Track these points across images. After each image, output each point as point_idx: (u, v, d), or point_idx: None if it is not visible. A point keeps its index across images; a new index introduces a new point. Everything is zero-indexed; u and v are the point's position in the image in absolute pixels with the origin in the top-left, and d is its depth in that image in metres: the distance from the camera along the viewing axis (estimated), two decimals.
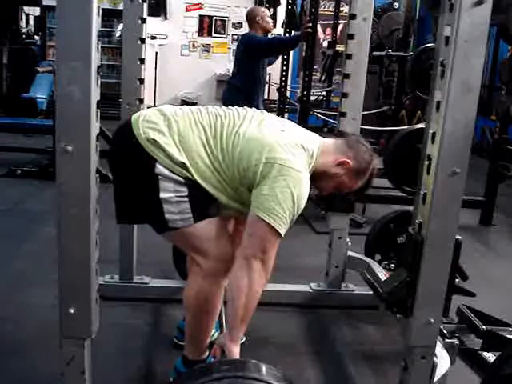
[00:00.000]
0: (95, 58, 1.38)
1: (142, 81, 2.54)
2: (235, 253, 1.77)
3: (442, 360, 1.88)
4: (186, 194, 1.73)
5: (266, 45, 4.39)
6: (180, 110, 1.85)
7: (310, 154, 1.81)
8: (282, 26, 6.23)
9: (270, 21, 4.52)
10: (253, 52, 4.35)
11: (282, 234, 1.68)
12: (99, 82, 1.44)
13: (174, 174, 1.72)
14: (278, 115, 5.39)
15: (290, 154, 1.71)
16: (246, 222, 1.74)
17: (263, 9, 4.76)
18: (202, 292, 1.84)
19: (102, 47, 1.48)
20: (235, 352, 1.69)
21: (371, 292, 2.51)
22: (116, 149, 1.83)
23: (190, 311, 1.93)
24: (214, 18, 10.06)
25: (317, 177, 1.86)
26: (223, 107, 1.91)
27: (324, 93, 7.86)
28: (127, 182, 1.81)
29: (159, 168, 1.71)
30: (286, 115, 6.32)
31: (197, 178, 1.73)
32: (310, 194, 1.75)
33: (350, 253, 2.84)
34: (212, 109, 1.88)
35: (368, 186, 2.02)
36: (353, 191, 2.03)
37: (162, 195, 1.72)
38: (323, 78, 7.66)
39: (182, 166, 1.72)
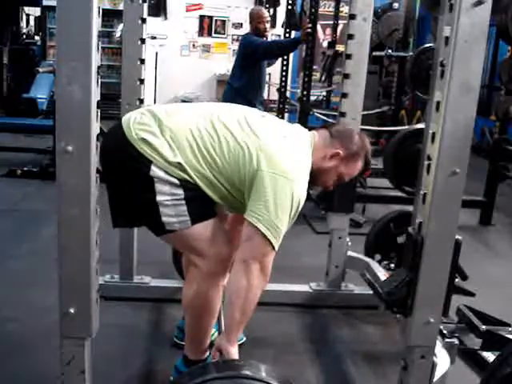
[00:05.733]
0: (95, 58, 1.38)
1: (142, 81, 2.54)
2: (234, 255, 1.77)
3: (442, 360, 1.88)
4: (183, 196, 1.72)
5: (265, 49, 4.41)
6: (170, 109, 1.84)
7: (309, 159, 1.82)
8: (282, 26, 6.23)
9: (266, 25, 4.57)
10: (252, 55, 4.37)
11: (276, 248, 1.69)
12: (99, 82, 1.44)
13: (170, 175, 1.70)
14: (277, 115, 5.41)
15: (288, 162, 1.71)
16: (243, 222, 1.73)
17: (263, 11, 4.77)
18: (200, 292, 1.84)
19: (102, 47, 1.48)
20: (233, 354, 1.70)
21: (371, 292, 2.51)
22: (109, 153, 1.76)
23: (190, 312, 1.93)
24: (214, 18, 10.06)
25: (314, 176, 1.86)
26: (217, 103, 1.90)
27: (324, 93, 7.86)
28: (122, 186, 1.79)
29: (154, 170, 1.70)
30: (286, 115, 6.32)
31: (194, 177, 1.72)
32: (310, 193, 1.75)
33: (349, 253, 2.84)
34: (205, 105, 1.87)
35: (368, 164, 1.99)
36: (356, 175, 2.03)
37: (159, 198, 1.70)
38: (323, 78, 7.66)
39: (178, 165, 1.70)
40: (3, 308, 2.57)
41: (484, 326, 2.19)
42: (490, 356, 2.27)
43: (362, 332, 2.66)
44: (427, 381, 1.74)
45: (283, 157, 1.72)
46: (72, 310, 1.51)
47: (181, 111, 1.85)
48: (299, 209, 1.71)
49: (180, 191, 1.72)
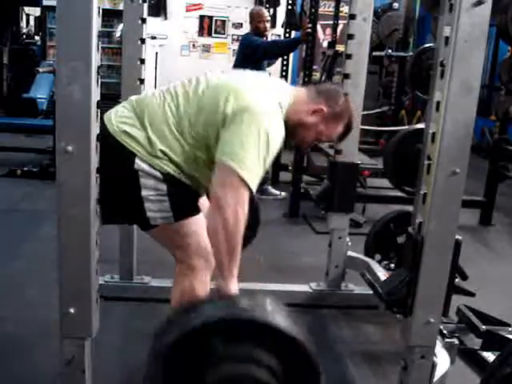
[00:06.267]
0: (95, 58, 1.38)
1: (142, 81, 2.54)
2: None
3: (442, 360, 1.88)
4: (166, 192, 1.73)
5: (265, 49, 4.42)
6: (142, 96, 1.88)
7: (281, 100, 1.78)
8: (282, 26, 6.23)
9: (266, 25, 4.58)
10: (252, 55, 4.38)
11: (247, 181, 1.59)
12: (99, 82, 1.44)
13: (154, 168, 1.72)
14: None
15: (257, 98, 1.69)
16: None
17: (263, 11, 4.78)
18: (186, 291, 1.84)
19: (102, 47, 1.48)
20: (230, 288, 1.62)
21: (371, 292, 2.50)
22: None
23: None
24: (214, 18, 10.06)
25: (294, 130, 1.82)
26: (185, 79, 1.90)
27: None
28: (108, 181, 1.74)
29: (138, 163, 1.71)
30: None
31: (178, 160, 1.72)
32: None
33: (349, 253, 2.84)
34: (176, 83, 1.88)
35: (349, 129, 1.94)
36: (335, 138, 1.98)
37: (144, 193, 1.72)
38: (323, 78, 7.65)
39: (161, 154, 1.71)
40: (3, 308, 2.57)
41: (484, 326, 2.19)
42: (490, 356, 2.27)
43: (362, 332, 2.66)
44: (427, 381, 1.74)
45: (250, 95, 1.70)
46: (72, 310, 1.51)
47: (150, 94, 1.87)
48: (271, 145, 1.64)
49: (163, 186, 1.73)
